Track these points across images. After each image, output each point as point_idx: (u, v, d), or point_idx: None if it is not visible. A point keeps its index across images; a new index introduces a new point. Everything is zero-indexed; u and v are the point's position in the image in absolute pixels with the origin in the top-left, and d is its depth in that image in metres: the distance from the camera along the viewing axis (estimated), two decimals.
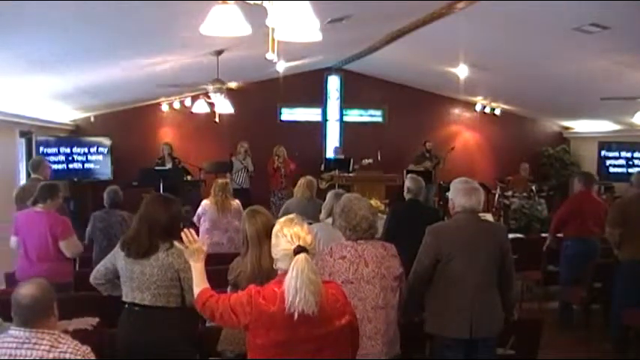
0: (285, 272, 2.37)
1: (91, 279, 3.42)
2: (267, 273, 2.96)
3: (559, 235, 6.35)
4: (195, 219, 6.14)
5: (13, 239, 4.87)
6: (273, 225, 3.17)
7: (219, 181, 6.39)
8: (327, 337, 2.40)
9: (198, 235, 6.04)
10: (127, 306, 3.29)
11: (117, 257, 3.33)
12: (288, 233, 2.40)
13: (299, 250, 2.35)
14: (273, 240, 2.46)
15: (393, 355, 3.20)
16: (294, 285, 2.27)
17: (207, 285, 2.66)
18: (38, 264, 4.67)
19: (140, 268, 3.22)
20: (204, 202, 6.15)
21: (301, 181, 6.20)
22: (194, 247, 2.75)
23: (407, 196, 5.40)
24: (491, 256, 3.46)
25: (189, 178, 10.26)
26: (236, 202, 6.20)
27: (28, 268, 4.66)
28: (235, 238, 6.01)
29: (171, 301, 3.25)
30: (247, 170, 10.39)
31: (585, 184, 6.21)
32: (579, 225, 6.03)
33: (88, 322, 3.39)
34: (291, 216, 2.53)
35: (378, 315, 3.12)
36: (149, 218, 3.28)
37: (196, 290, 2.65)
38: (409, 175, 5.66)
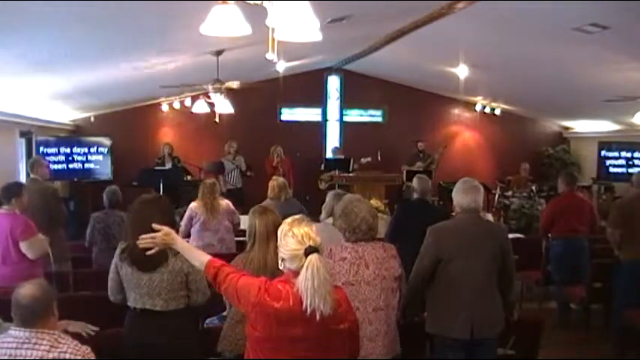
0: (293, 272, 2.37)
1: (111, 299, 3.36)
2: (271, 271, 2.95)
3: (549, 235, 6.38)
4: (184, 222, 6.04)
5: None
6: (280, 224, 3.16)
7: (207, 182, 6.26)
8: (323, 339, 2.40)
9: (189, 236, 5.98)
10: (136, 310, 3.24)
11: (119, 266, 3.28)
12: (298, 233, 2.37)
13: (311, 250, 2.33)
14: (281, 240, 2.42)
15: (393, 356, 3.20)
16: (312, 285, 2.26)
17: (206, 255, 2.64)
18: (3, 267, 4.54)
19: (148, 275, 3.18)
20: (193, 205, 6.02)
21: (272, 183, 6.14)
22: (162, 235, 2.71)
23: (414, 195, 5.43)
24: (492, 257, 3.46)
25: (189, 178, 10.27)
26: (225, 202, 6.14)
27: None
28: (227, 239, 5.98)
29: (180, 303, 3.25)
30: (240, 170, 10.38)
31: (567, 184, 6.26)
32: (564, 224, 6.07)
33: (86, 327, 3.34)
34: (297, 216, 2.50)
35: (378, 316, 3.12)
36: (144, 224, 3.01)
37: (201, 262, 2.60)
38: (416, 175, 5.68)
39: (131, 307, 3.28)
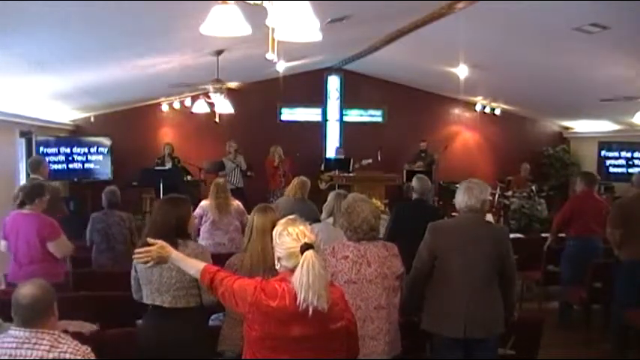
0: (289, 271, 2.39)
1: (135, 297, 3.40)
2: (270, 266, 2.96)
3: (561, 234, 6.35)
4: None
5: (3, 243, 4.77)
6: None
7: (219, 181, 6.30)
8: (319, 339, 2.41)
9: (199, 234, 6.00)
10: (150, 307, 3.29)
11: (136, 262, 3.29)
12: (293, 232, 2.41)
13: (306, 247, 2.36)
14: (277, 240, 2.46)
15: (395, 355, 3.21)
16: (307, 281, 2.28)
17: (201, 263, 2.68)
18: (28, 266, 4.57)
19: (159, 271, 3.20)
20: (204, 203, 6.08)
21: (295, 181, 6.14)
22: (156, 249, 2.76)
23: (413, 195, 5.45)
24: (491, 258, 3.45)
25: (189, 178, 10.27)
26: (236, 203, 6.17)
27: (18, 271, 4.59)
28: (236, 239, 5.98)
29: (190, 301, 3.25)
30: (241, 169, 10.39)
31: (587, 184, 6.21)
32: (581, 225, 6.04)
33: (86, 326, 3.34)
34: (292, 216, 2.54)
35: (380, 315, 3.13)
36: (158, 223, 3.24)
37: (197, 270, 2.64)
38: (415, 175, 5.68)
39: (147, 304, 3.31)
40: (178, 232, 3.27)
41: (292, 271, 2.37)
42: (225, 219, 5.96)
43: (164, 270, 3.19)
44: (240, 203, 6.22)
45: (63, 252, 4.76)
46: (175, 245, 3.05)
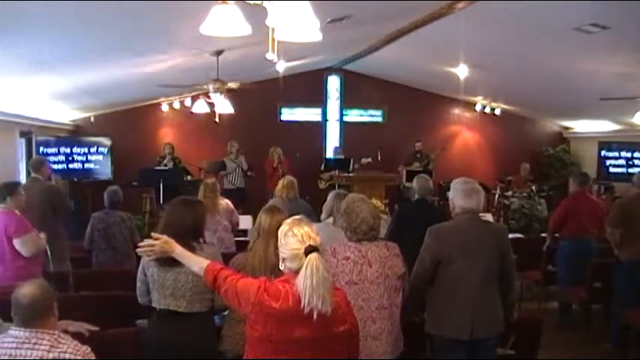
0: (293, 272, 2.37)
1: (139, 301, 3.35)
2: (271, 266, 2.95)
3: (557, 235, 6.36)
4: None
5: None
6: None
7: (209, 181, 6.26)
8: (322, 342, 2.40)
9: None
10: (161, 312, 3.23)
11: (146, 266, 3.24)
12: (298, 233, 2.39)
13: (311, 249, 2.34)
14: (282, 240, 2.43)
15: (397, 355, 3.20)
16: (311, 284, 2.26)
17: (205, 260, 2.68)
18: (0, 266, 4.49)
19: (173, 275, 3.15)
20: None
21: (282, 181, 6.11)
22: (160, 243, 2.76)
23: (415, 195, 5.46)
24: (492, 258, 3.45)
25: (189, 178, 10.28)
26: (225, 202, 6.14)
27: None
28: (225, 238, 5.97)
29: (204, 305, 3.22)
30: (242, 169, 10.40)
31: (580, 185, 6.24)
32: (575, 225, 6.05)
33: (85, 326, 3.32)
34: (298, 217, 2.52)
35: (382, 315, 3.12)
36: (174, 224, 3.16)
37: (201, 267, 2.63)
38: (416, 176, 5.67)
39: (156, 308, 3.26)
40: (195, 235, 3.23)
41: (296, 272, 2.35)
42: (214, 218, 5.94)
43: (180, 274, 3.14)
44: (229, 202, 6.20)
45: (30, 250, 4.53)
46: (192, 249, 3.00)
